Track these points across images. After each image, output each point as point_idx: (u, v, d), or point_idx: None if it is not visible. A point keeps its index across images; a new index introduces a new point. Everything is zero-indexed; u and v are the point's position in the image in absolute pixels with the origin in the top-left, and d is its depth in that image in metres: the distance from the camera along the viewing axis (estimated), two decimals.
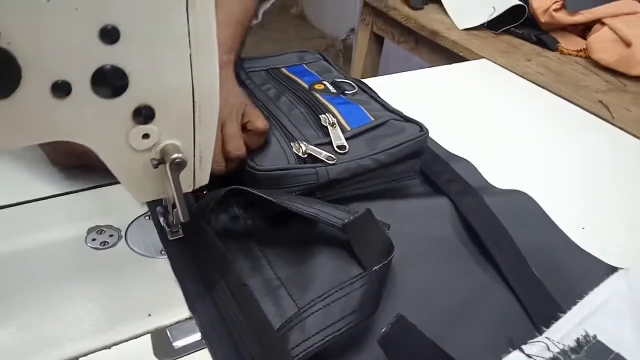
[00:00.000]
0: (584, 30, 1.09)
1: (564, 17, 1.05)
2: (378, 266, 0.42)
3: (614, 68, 0.96)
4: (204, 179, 0.43)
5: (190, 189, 0.43)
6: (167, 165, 0.38)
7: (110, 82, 0.33)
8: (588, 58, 1.01)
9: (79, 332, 0.39)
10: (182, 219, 0.41)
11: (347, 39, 2.77)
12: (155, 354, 0.38)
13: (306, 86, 0.66)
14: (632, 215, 0.60)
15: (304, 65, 0.71)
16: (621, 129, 0.78)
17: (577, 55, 1.02)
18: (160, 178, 0.40)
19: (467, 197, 0.56)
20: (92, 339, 0.38)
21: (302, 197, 0.50)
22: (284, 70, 0.70)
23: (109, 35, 0.32)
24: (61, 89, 0.32)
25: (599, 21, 1.01)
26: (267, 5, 0.75)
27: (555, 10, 1.04)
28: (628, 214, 0.60)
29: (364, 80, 0.71)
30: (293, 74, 0.69)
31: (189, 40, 0.35)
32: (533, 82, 0.90)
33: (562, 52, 1.03)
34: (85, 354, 0.37)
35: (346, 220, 0.48)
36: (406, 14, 1.18)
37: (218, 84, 0.39)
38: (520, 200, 0.58)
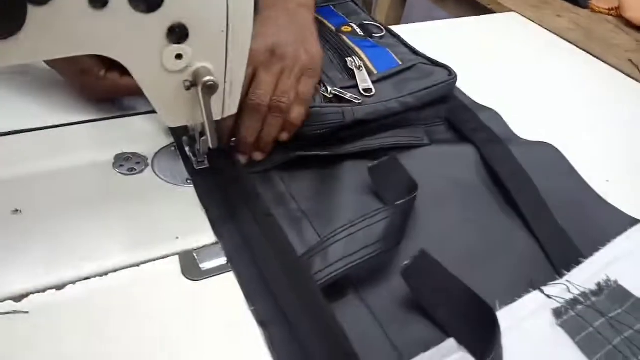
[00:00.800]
0: None
1: None
2: (401, 201, 0.43)
3: None
4: (232, 108, 0.43)
5: (219, 117, 0.43)
6: (199, 88, 0.38)
7: None
8: (619, 17, 0.98)
9: (109, 250, 0.39)
10: (210, 145, 0.41)
11: None
12: (184, 273, 0.39)
13: (333, 28, 0.65)
14: None
15: (332, 7, 0.70)
16: None
17: (608, 14, 0.99)
18: (190, 103, 0.40)
19: (493, 146, 0.56)
20: (121, 257, 0.39)
21: None
22: None
23: None
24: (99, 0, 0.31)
25: None
26: None
27: None
28: None
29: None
30: (320, 15, 0.68)
31: None
32: (562, 38, 0.88)
33: (593, 10, 1.00)
34: (115, 270, 0.38)
35: (370, 165, 0.48)
36: None
37: (252, 7, 0.38)
38: (546, 152, 0.58)
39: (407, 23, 0.87)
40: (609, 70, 0.81)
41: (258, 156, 0.49)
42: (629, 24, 0.95)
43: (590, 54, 0.84)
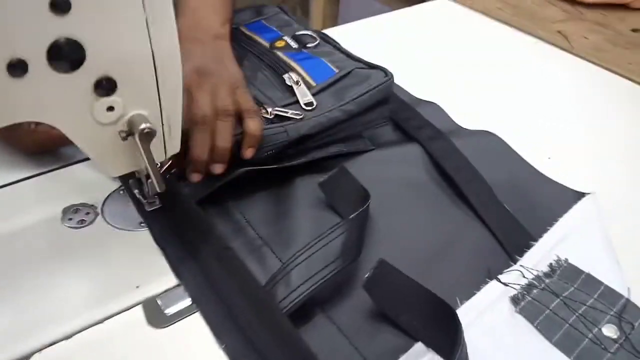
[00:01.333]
0: None
1: None
2: (354, 214, 0.43)
3: None
4: (175, 147, 0.43)
5: (162, 159, 0.42)
6: (137, 137, 0.37)
7: (66, 55, 0.32)
8: None
9: (69, 311, 0.39)
10: (157, 190, 0.41)
11: None
12: (149, 323, 0.39)
13: (267, 44, 0.65)
14: (595, 141, 0.62)
15: (262, 21, 0.70)
16: (581, 57, 0.79)
17: None
18: (130, 150, 0.40)
19: (437, 142, 0.57)
20: (83, 316, 0.39)
21: None
22: (243, 29, 0.69)
23: (60, 6, 0.30)
24: (17, 68, 0.31)
25: None
26: None
27: None
28: (591, 141, 0.62)
29: (325, 31, 0.70)
30: (252, 32, 0.68)
31: (143, 4, 0.34)
32: (492, 18, 0.90)
33: None
34: (79, 331, 0.38)
35: (321, 179, 0.49)
36: None
37: (178, 47, 0.38)
38: (488, 140, 0.60)
39: (345, 20, 0.88)
40: (539, 44, 0.84)
41: (218, 169, 0.49)
42: None
43: (521, 30, 0.87)
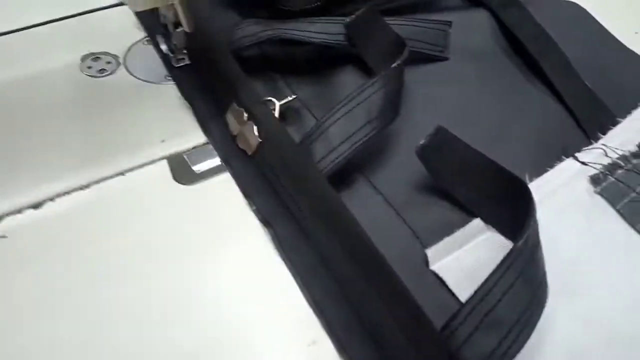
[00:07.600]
0: None
1: None
2: (394, 64, 0.37)
3: None
4: None
5: None
6: None
7: None
8: None
9: (89, 161, 0.35)
10: (186, 29, 0.35)
11: None
12: (175, 178, 0.35)
13: None
14: None
15: None
16: None
17: None
18: None
19: (510, 9, 0.49)
20: (103, 167, 0.35)
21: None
22: None
23: None
24: None
25: None
26: None
27: None
28: None
29: None
30: None
31: None
32: None
33: None
34: (98, 182, 0.34)
35: (348, 20, 0.41)
36: None
37: None
38: (569, 10, 0.51)
39: None
40: None
41: None
42: None
43: None
